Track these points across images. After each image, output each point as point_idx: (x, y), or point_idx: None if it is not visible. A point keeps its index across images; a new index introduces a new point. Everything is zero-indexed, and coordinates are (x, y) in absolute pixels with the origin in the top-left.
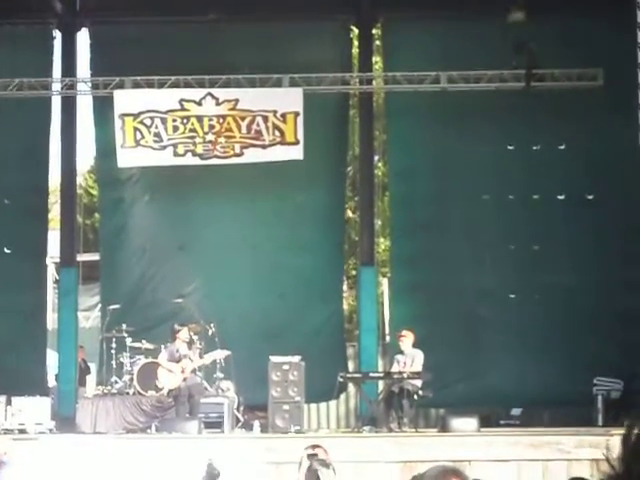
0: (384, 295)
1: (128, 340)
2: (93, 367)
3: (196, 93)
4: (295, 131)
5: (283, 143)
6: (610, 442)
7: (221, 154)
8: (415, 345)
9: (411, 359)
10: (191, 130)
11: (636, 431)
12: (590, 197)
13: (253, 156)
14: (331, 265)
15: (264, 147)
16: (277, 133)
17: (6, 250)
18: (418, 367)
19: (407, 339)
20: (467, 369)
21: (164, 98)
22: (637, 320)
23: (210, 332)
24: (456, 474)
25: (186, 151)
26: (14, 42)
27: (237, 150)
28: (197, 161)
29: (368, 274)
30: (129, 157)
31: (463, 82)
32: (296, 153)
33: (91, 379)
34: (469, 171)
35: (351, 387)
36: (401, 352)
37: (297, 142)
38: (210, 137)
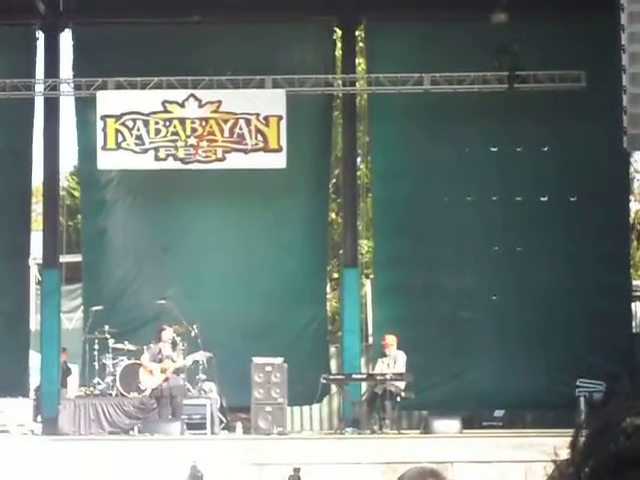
0: (367, 296)
1: (111, 341)
2: (76, 368)
3: (179, 94)
4: (278, 137)
5: (266, 150)
6: (557, 445)
7: (203, 159)
8: (398, 347)
9: (393, 360)
10: (173, 133)
11: (584, 433)
12: (573, 199)
13: (235, 162)
14: (314, 267)
15: (246, 152)
16: (260, 137)
17: None
18: (401, 368)
19: (391, 345)
20: (450, 371)
21: (147, 99)
22: (620, 323)
23: (193, 333)
24: (434, 475)
25: (167, 155)
26: None
27: (219, 155)
28: (178, 165)
29: (351, 276)
30: (110, 159)
31: (446, 84)
32: (279, 161)
33: (73, 380)
34: (452, 173)
35: (334, 388)
36: (385, 355)
37: (280, 149)
38: (192, 141)
